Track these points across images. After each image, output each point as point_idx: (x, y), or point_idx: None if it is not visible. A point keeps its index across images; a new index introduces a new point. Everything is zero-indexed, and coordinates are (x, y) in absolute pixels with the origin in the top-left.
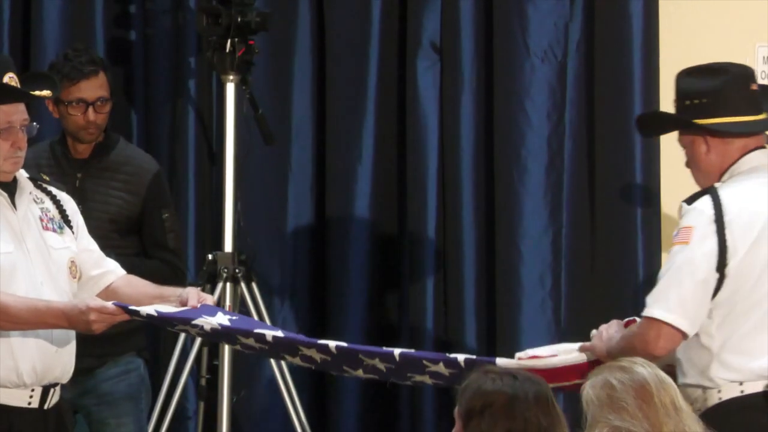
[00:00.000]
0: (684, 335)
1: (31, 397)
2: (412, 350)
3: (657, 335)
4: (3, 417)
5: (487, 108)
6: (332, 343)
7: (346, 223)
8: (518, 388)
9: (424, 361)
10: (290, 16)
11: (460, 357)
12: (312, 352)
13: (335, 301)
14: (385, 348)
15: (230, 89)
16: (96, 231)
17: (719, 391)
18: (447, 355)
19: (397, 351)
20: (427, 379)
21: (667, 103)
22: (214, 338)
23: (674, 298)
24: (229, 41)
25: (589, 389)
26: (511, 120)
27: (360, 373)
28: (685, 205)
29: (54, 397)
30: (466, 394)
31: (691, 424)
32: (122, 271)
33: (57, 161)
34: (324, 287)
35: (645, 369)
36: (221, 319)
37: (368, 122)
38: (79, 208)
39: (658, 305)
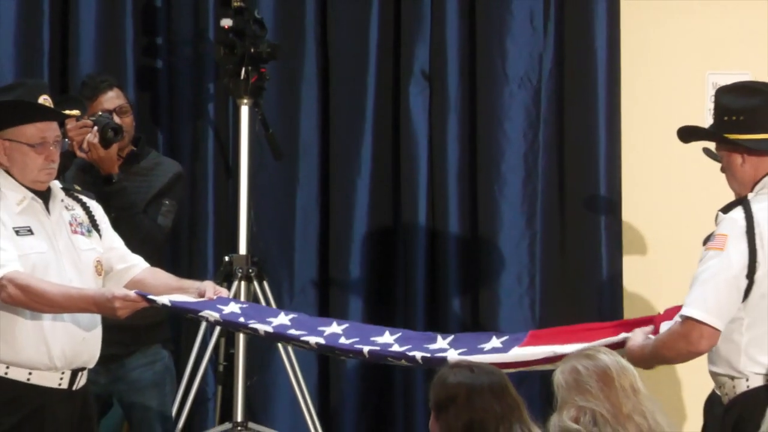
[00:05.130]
0: (719, 334)
1: (61, 379)
2: (378, 347)
3: (700, 335)
4: (36, 395)
5: (470, 128)
6: (313, 340)
7: (347, 229)
8: (475, 380)
9: (389, 359)
10: (298, 47)
11: (418, 355)
12: (299, 344)
13: (337, 297)
14: (357, 346)
15: (244, 111)
16: None
17: (747, 381)
18: (406, 353)
19: (366, 348)
20: (395, 364)
21: (627, 122)
22: (219, 327)
23: (713, 301)
24: (243, 69)
25: (559, 374)
26: (492, 138)
27: (341, 358)
28: (721, 213)
29: (81, 380)
30: (435, 387)
31: (647, 405)
32: (146, 264)
33: (96, 170)
34: (327, 286)
35: (607, 357)
36: (233, 308)
37: (366, 140)
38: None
39: (697, 306)
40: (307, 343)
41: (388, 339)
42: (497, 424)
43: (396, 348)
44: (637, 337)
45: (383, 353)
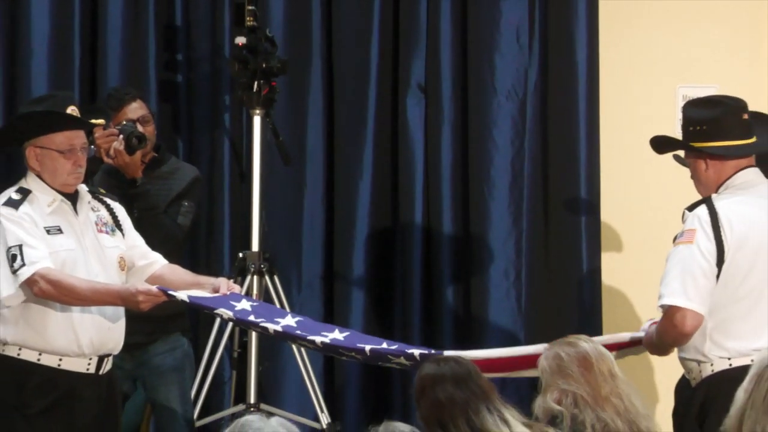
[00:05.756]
0: (702, 317)
1: (89, 364)
2: (379, 346)
3: (683, 317)
4: (66, 379)
5: (462, 136)
6: (318, 339)
7: (350, 229)
8: (439, 371)
9: (389, 356)
10: (305, 62)
11: (416, 351)
12: (305, 343)
13: (341, 290)
14: (358, 344)
15: (257, 121)
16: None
17: (712, 365)
18: (406, 350)
19: (367, 347)
20: (394, 365)
21: (605, 130)
22: (231, 323)
23: (691, 288)
24: (255, 83)
25: (543, 360)
26: (482, 145)
27: (343, 358)
28: (687, 211)
29: (107, 365)
30: (414, 378)
31: (624, 388)
32: (164, 261)
33: (121, 174)
34: (332, 279)
35: (587, 344)
36: (244, 305)
37: (368, 147)
38: (134, 206)
39: (677, 295)
40: (312, 342)
41: (386, 348)
42: (465, 408)
43: (394, 348)
44: (649, 333)
45: (384, 351)
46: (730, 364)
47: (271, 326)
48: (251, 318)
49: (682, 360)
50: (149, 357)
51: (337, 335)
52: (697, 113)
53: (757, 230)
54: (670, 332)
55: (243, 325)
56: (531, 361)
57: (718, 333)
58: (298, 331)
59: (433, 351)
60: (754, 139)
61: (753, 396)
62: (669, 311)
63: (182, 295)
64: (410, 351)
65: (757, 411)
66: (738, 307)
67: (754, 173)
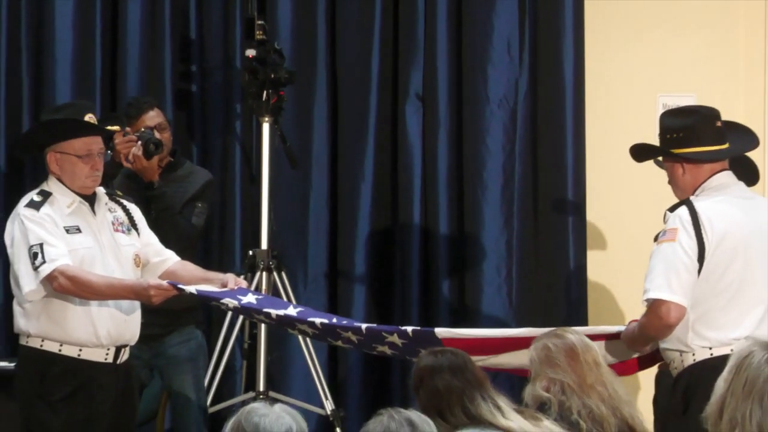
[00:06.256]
0: (685, 309)
1: (107, 354)
2: (375, 324)
3: (668, 309)
4: (86, 368)
5: (457, 142)
6: (317, 320)
7: (353, 228)
8: (437, 362)
9: (383, 333)
10: (311, 73)
11: (409, 329)
12: (305, 327)
13: (344, 286)
14: (355, 323)
15: (266, 128)
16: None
17: (693, 354)
18: (399, 327)
19: (364, 325)
20: (386, 350)
21: (591, 136)
22: (236, 313)
23: (675, 282)
24: (265, 92)
25: (533, 351)
26: (476, 151)
27: (339, 343)
28: (668, 212)
29: (124, 356)
30: (413, 369)
31: (608, 377)
32: (177, 258)
33: (139, 177)
34: (336, 276)
35: (574, 336)
36: (250, 298)
37: (369, 152)
38: (151, 207)
39: (662, 289)
40: (312, 324)
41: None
42: (461, 395)
43: (384, 326)
44: (629, 327)
45: (378, 328)
46: (711, 354)
47: (273, 311)
48: (255, 307)
49: (664, 351)
50: (165, 348)
51: (335, 321)
52: (673, 122)
53: (735, 227)
54: (655, 324)
55: (246, 314)
56: (519, 343)
57: (700, 324)
58: (299, 317)
59: (426, 328)
60: (727, 145)
61: (733, 385)
62: (654, 304)
63: (191, 288)
64: (404, 329)
65: (737, 399)
66: (718, 300)
67: (728, 176)
